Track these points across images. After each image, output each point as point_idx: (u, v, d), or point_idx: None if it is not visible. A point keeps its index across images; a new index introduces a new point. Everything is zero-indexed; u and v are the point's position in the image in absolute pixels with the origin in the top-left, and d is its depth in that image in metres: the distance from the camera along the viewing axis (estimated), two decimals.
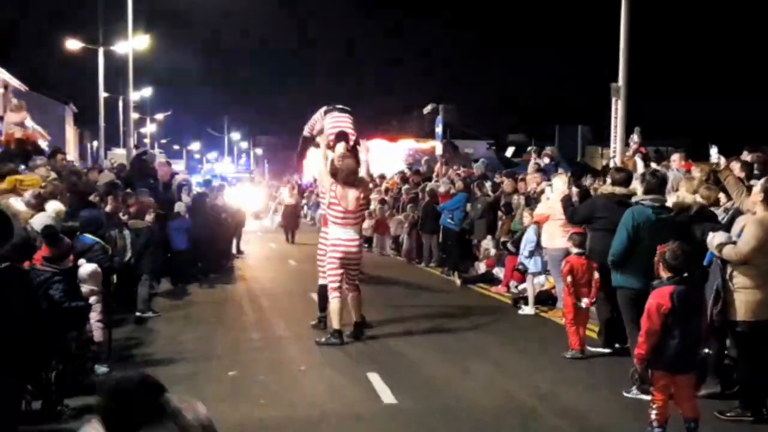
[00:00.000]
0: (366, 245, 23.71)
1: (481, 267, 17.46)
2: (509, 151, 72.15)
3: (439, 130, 24.80)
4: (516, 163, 59.56)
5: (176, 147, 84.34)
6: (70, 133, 61.86)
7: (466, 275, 17.08)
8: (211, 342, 10.79)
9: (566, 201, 11.18)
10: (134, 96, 53.26)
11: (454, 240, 18.32)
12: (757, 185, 7.61)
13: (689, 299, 6.63)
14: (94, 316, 8.46)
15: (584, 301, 10.06)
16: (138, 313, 12.37)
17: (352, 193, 10.77)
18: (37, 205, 8.51)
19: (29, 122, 14.51)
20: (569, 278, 10.05)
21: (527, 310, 13.34)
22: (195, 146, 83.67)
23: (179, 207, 15.92)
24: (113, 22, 35.83)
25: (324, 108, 12.11)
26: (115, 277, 12.58)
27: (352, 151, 11.37)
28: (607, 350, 10.25)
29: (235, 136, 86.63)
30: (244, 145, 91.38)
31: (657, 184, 8.62)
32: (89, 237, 9.14)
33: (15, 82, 45.59)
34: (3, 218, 5.69)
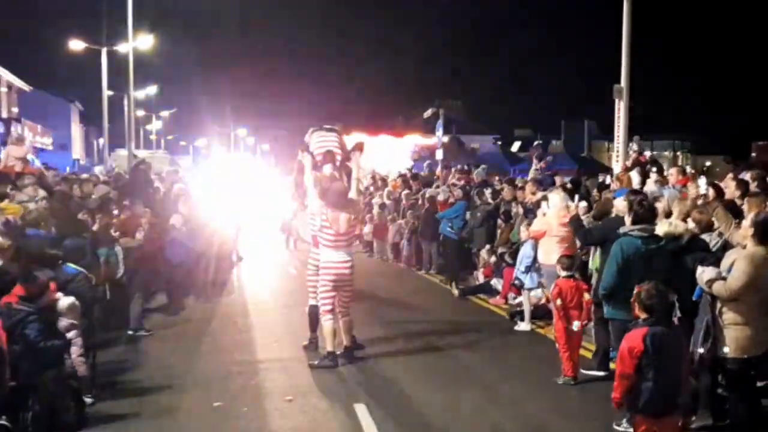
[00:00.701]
0: (367, 251, 23.65)
1: (480, 276, 17.29)
2: (515, 146, 72.10)
3: (439, 134, 24.52)
4: (522, 158, 59.41)
5: (183, 143, 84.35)
6: (76, 131, 61.99)
7: (464, 286, 16.87)
8: (200, 366, 10.59)
9: (576, 222, 10.92)
10: (140, 94, 53.29)
11: (453, 249, 18.12)
12: (747, 219, 7.40)
13: (664, 341, 6.44)
14: (75, 350, 8.27)
15: (576, 324, 9.89)
16: (130, 332, 12.24)
17: (343, 216, 10.63)
18: (9, 234, 8.22)
19: (31, 156, 14.29)
20: (558, 302, 9.87)
21: (523, 326, 13.15)
22: (202, 142, 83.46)
23: (175, 219, 15.72)
24: (118, 22, 35.56)
25: (311, 129, 11.96)
26: (107, 292, 12.52)
27: (340, 170, 11.24)
28: (601, 373, 10.07)
29: (242, 132, 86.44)
30: (251, 141, 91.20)
31: (645, 214, 8.41)
32: (72, 267, 8.97)
33: (18, 82, 45.64)
34: None
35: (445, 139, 24.81)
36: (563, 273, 10.13)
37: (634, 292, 6.68)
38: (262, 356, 11.30)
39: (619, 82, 19.62)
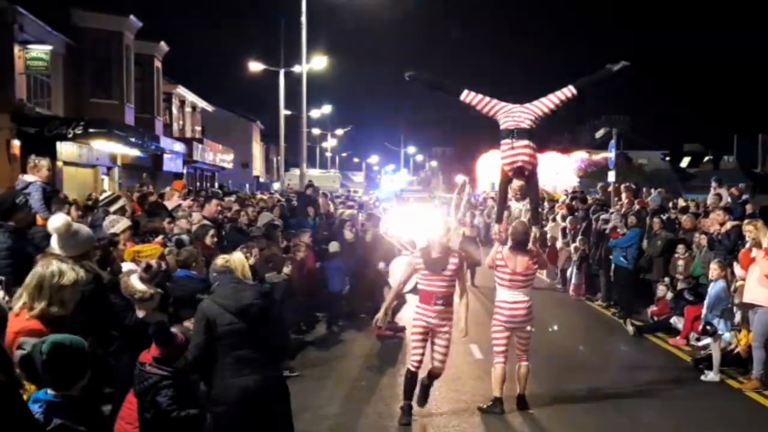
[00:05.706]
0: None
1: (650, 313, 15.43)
2: (684, 162, 67.79)
3: (612, 155, 22.47)
4: (693, 175, 55.70)
5: (356, 159, 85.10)
6: (257, 149, 63.24)
7: (640, 323, 14.94)
8: (353, 423, 9.13)
9: None
10: (315, 113, 53.78)
11: (627, 280, 16.28)
12: None
13: None
14: None
15: None
16: None
17: (521, 255, 9.47)
18: (152, 282, 7.27)
19: (186, 203, 13.58)
20: None
21: (711, 376, 11.21)
22: (373, 159, 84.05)
23: (333, 247, 14.76)
24: (297, 44, 35.62)
25: (509, 107, 9.38)
26: None
27: (529, 180, 9.33)
28: None
29: (411, 149, 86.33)
30: (420, 158, 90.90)
31: None
32: None
33: (202, 103, 46.71)
34: (74, 353, 4.38)
35: (612, 154, 22.68)
36: None
37: None
38: (424, 410, 9.56)
39: None
